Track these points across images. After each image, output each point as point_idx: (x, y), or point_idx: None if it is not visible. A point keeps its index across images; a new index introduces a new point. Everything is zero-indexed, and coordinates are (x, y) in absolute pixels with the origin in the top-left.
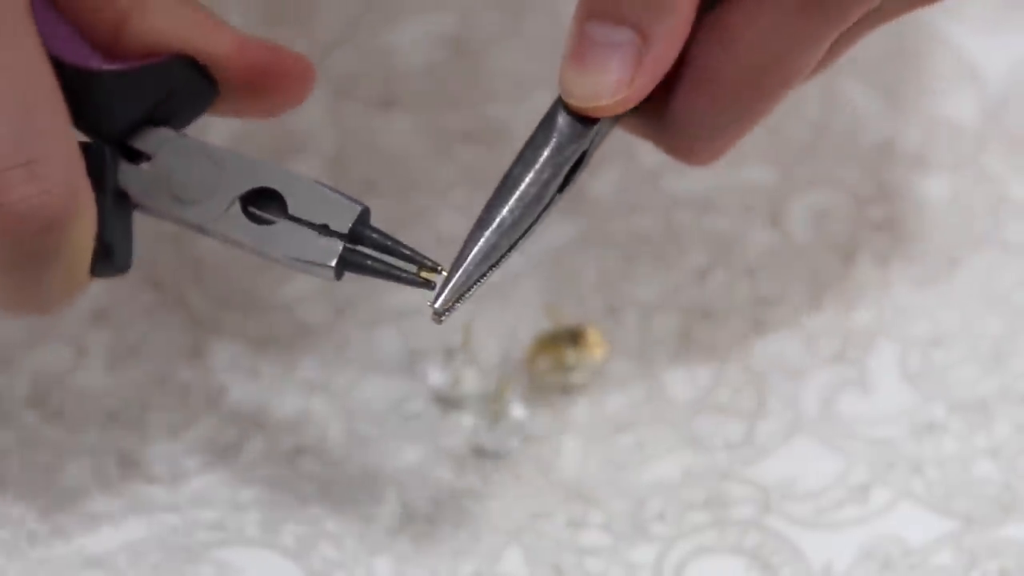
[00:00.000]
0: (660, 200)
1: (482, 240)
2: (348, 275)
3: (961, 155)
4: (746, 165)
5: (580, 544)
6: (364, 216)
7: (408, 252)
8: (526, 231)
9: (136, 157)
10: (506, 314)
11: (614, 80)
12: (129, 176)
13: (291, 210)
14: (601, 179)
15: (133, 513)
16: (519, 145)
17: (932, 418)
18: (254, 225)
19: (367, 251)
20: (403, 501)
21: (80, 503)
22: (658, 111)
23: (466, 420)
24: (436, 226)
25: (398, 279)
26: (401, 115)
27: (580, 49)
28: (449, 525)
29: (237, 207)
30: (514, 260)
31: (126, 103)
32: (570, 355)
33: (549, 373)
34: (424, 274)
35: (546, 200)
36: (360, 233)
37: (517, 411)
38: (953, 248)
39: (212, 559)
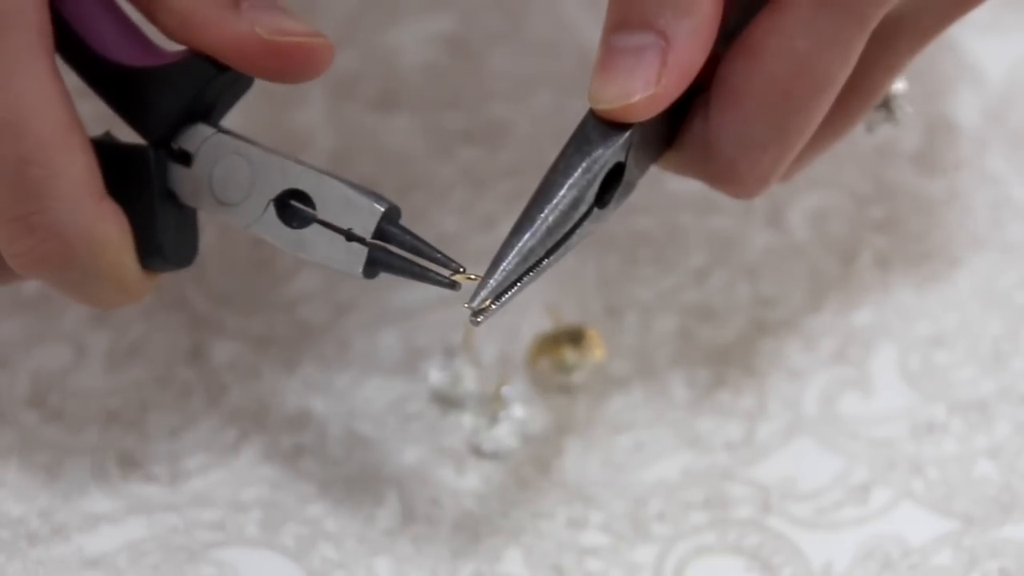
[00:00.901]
0: (660, 200)
1: (519, 243)
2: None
3: (962, 155)
4: None
5: (580, 544)
6: (391, 214)
7: (435, 254)
8: (564, 238)
9: (182, 157)
10: (506, 314)
11: (641, 80)
12: (178, 178)
13: (320, 212)
14: None
15: (133, 513)
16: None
17: (932, 418)
18: (288, 228)
19: (395, 250)
20: (403, 501)
21: (80, 503)
22: (696, 143)
23: (466, 420)
24: (436, 226)
25: (427, 279)
26: (401, 115)
27: (606, 59)
28: (449, 525)
29: (272, 210)
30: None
31: (165, 100)
32: (570, 355)
33: (549, 373)
34: (454, 276)
35: (583, 208)
36: (387, 232)
37: (517, 411)
38: (953, 248)
39: (212, 559)
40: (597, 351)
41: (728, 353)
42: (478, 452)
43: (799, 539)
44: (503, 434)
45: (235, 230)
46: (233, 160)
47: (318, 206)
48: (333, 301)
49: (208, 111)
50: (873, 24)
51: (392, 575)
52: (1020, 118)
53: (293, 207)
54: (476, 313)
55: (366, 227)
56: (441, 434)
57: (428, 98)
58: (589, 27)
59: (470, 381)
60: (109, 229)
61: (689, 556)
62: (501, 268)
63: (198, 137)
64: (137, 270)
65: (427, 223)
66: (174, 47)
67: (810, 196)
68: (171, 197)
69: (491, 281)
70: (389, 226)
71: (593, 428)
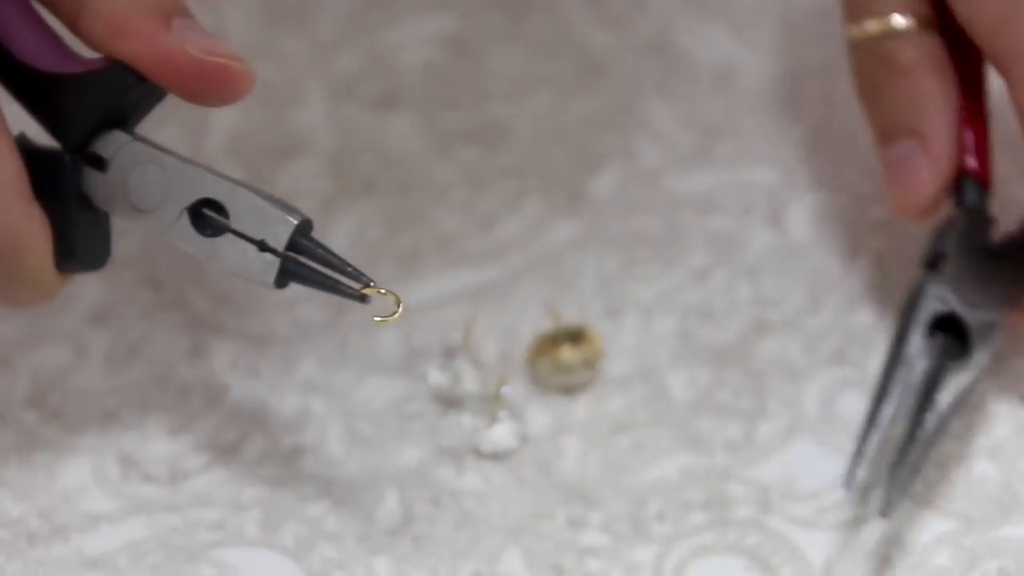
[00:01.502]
0: (660, 200)
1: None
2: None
3: None
4: (746, 165)
5: (580, 544)
6: (304, 228)
7: (345, 267)
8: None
9: (97, 162)
10: (506, 314)
11: (919, 188)
12: (92, 183)
13: (233, 222)
14: (601, 179)
15: (133, 513)
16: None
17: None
18: (201, 237)
19: (307, 262)
20: (403, 501)
21: (80, 503)
22: None
23: (466, 420)
24: (436, 226)
25: (337, 291)
26: (401, 115)
27: (887, 172)
28: (449, 525)
29: (186, 218)
30: (514, 260)
31: (82, 107)
32: (569, 355)
33: (549, 373)
34: (363, 290)
35: (918, 372)
36: (300, 244)
37: (517, 411)
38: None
39: (212, 559)
40: (596, 351)
41: (728, 353)
42: (478, 452)
43: (799, 539)
44: (503, 434)
45: None
46: (148, 168)
47: (232, 216)
48: (333, 301)
49: (124, 119)
50: None
51: (392, 575)
52: None
53: (207, 216)
54: (847, 487)
55: (279, 238)
56: (441, 434)
57: (428, 98)
58: (589, 27)
59: (470, 381)
60: (35, 232)
61: (689, 556)
62: (867, 443)
63: (114, 144)
64: (54, 272)
65: (427, 223)
66: (92, 55)
67: (810, 196)
68: (85, 201)
69: (858, 457)
70: (301, 239)
71: (593, 428)
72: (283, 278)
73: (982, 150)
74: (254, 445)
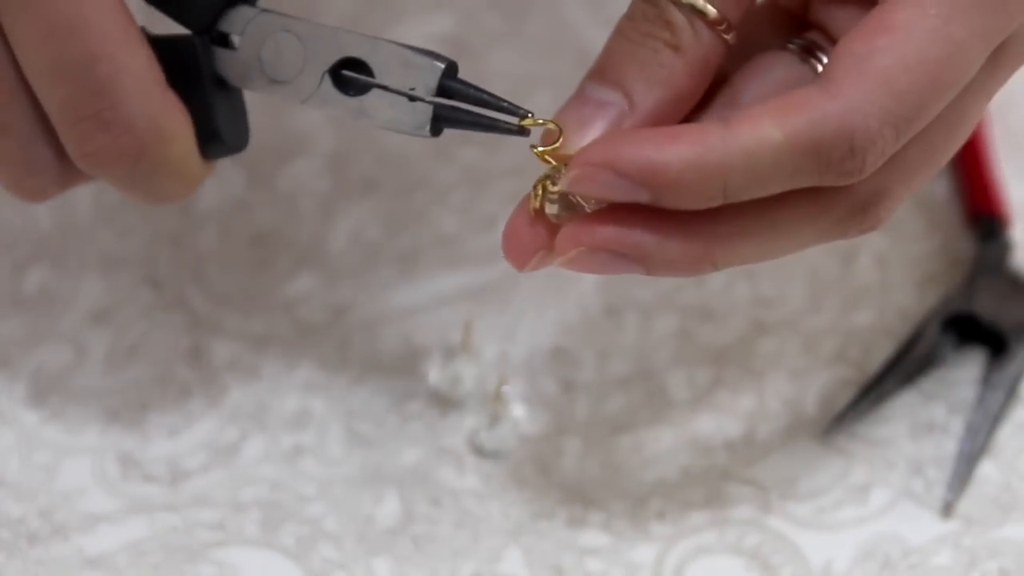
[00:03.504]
0: None
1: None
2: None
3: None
4: None
5: (580, 544)
6: (451, 70)
7: (501, 103)
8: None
9: (226, 40)
10: (506, 314)
11: (589, 135)
12: (225, 61)
13: (378, 76)
14: None
15: (133, 513)
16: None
17: (932, 418)
18: (347, 97)
19: (460, 105)
20: (403, 501)
21: (80, 503)
22: None
23: (466, 420)
24: (436, 226)
25: (495, 129)
26: None
27: (572, 100)
28: (449, 525)
29: (328, 81)
30: None
31: None
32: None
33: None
34: (522, 123)
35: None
36: (450, 88)
37: (517, 411)
38: (953, 248)
39: (212, 559)
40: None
41: (728, 353)
42: (478, 452)
43: (799, 539)
44: (503, 434)
45: (235, 230)
46: (281, 37)
47: (376, 71)
48: (333, 301)
49: None
50: (1014, 26)
51: (392, 575)
52: (1020, 118)
53: (349, 76)
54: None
55: (428, 85)
56: (441, 434)
57: None
58: (589, 27)
59: (470, 381)
60: (176, 119)
61: (689, 556)
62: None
63: (242, 19)
64: (199, 159)
65: (427, 223)
66: None
67: None
68: (221, 83)
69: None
70: (451, 82)
71: (593, 428)
72: (437, 124)
73: (994, 189)
74: (254, 445)
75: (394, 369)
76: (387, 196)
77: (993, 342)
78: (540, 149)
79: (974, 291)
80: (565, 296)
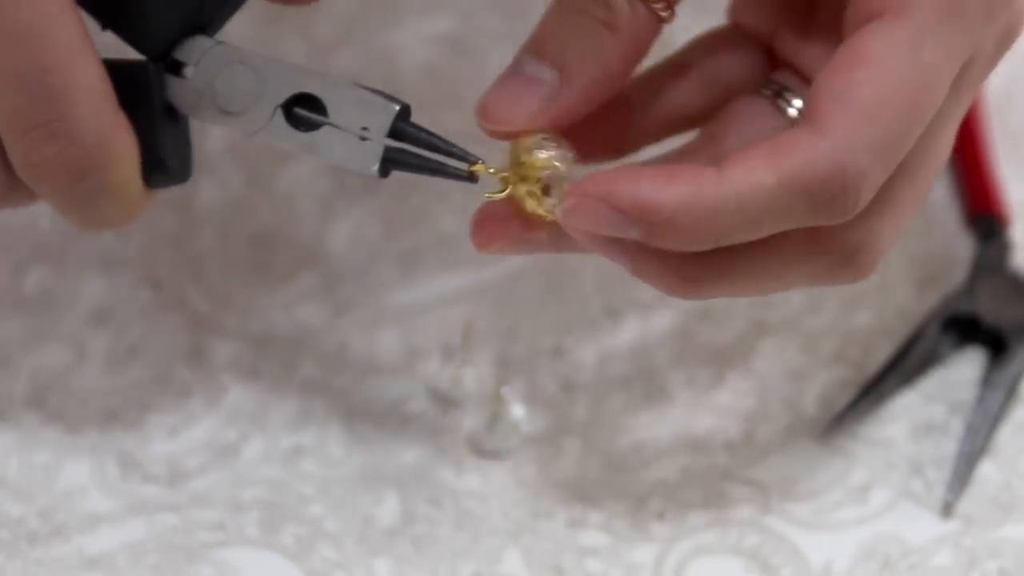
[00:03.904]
0: None
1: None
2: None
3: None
4: None
5: (580, 544)
6: (404, 113)
7: (451, 148)
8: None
9: (179, 69)
10: (506, 314)
11: (522, 112)
12: (176, 89)
13: (331, 114)
14: None
15: (133, 513)
16: None
17: (932, 418)
18: (298, 132)
19: (410, 148)
20: (403, 501)
21: (80, 503)
22: None
23: (466, 420)
24: (436, 226)
25: (444, 174)
26: None
27: (507, 75)
28: (449, 525)
29: (280, 116)
30: (514, 260)
31: (164, 14)
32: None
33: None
34: (472, 168)
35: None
36: (402, 131)
37: (517, 411)
38: (953, 248)
39: (212, 559)
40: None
41: (728, 353)
42: (478, 452)
43: (799, 539)
44: (503, 434)
45: (235, 230)
46: (237, 69)
47: (329, 109)
48: (333, 301)
49: (206, 24)
50: (975, 45)
51: (392, 575)
52: (1020, 118)
53: (302, 112)
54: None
55: (380, 126)
56: (441, 434)
57: (428, 98)
58: None
59: (470, 381)
60: (125, 139)
61: (689, 556)
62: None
63: (198, 50)
64: (141, 185)
65: (427, 223)
66: None
67: None
68: (170, 111)
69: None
70: (403, 124)
71: (593, 428)
72: (387, 165)
73: (994, 189)
74: (254, 445)
75: (394, 369)
76: (387, 196)
77: (993, 342)
78: (489, 195)
79: (974, 291)
80: (565, 296)
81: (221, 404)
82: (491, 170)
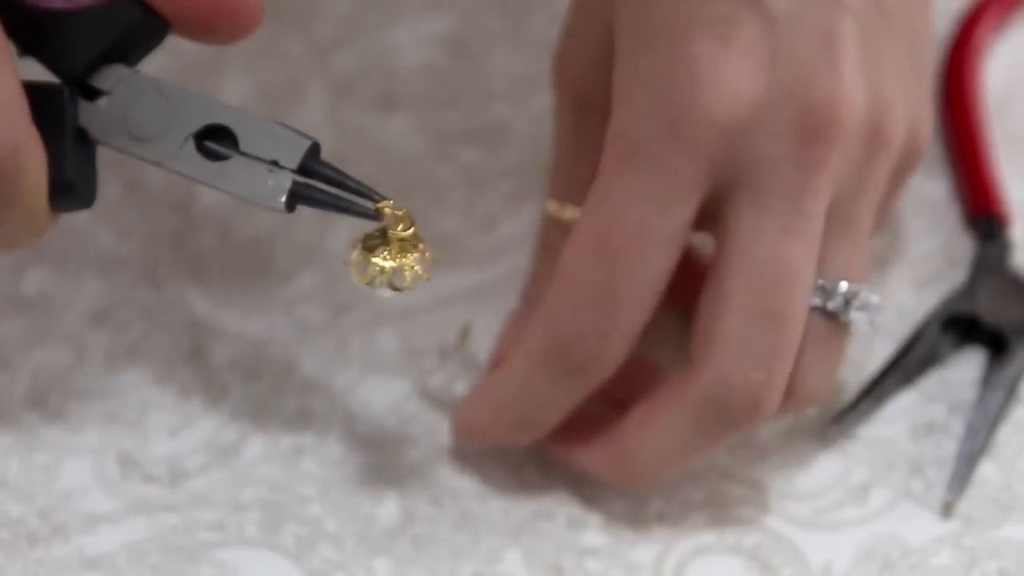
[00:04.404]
0: None
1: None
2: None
3: None
4: None
5: (580, 544)
6: (314, 150)
7: (357, 186)
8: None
9: (94, 95)
10: (506, 314)
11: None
12: (88, 114)
13: (243, 146)
14: None
15: (133, 513)
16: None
17: (932, 418)
18: (207, 161)
19: (318, 185)
20: (403, 501)
21: (80, 503)
22: None
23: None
24: (436, 226)
25: (349, 211)
26: (401, 115)
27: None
28: (449, 525)
29: (191, 144)
30: (514, 260)
31: (84, 42)
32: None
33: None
34: (377, 207)
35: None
36: (311, 168)
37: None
38: (953, 248)
39: (212, 559)
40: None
41: None
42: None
43: (799, 539)
44: (461, 383)
45: (235, 230)
46: (151, 98)
47: (241, 141)
48: (333, 301)
49: (126, 54)
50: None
51: (392, 575)
52: (1020, 118)
53: (212, 144)
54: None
55: (290, 160)
56: (441, 434)
57: (428, 98)
58: None
59: (462, 386)
60: (36, 151)
61: (689, 556)
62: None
63: (114, 77)
64: (46, 206)
65: (427, 223)
66: None
67: None
68: (81, 135)
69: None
70: (312, 162)
71: None
72: (293, 200)
73: (994, 189)
74: (254, 445)
75: (394, 369)
76: (387, 196)
77: (993, 342)
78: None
79: (974, 291)
80: None
81: (221, 404)
82: (398, 212)
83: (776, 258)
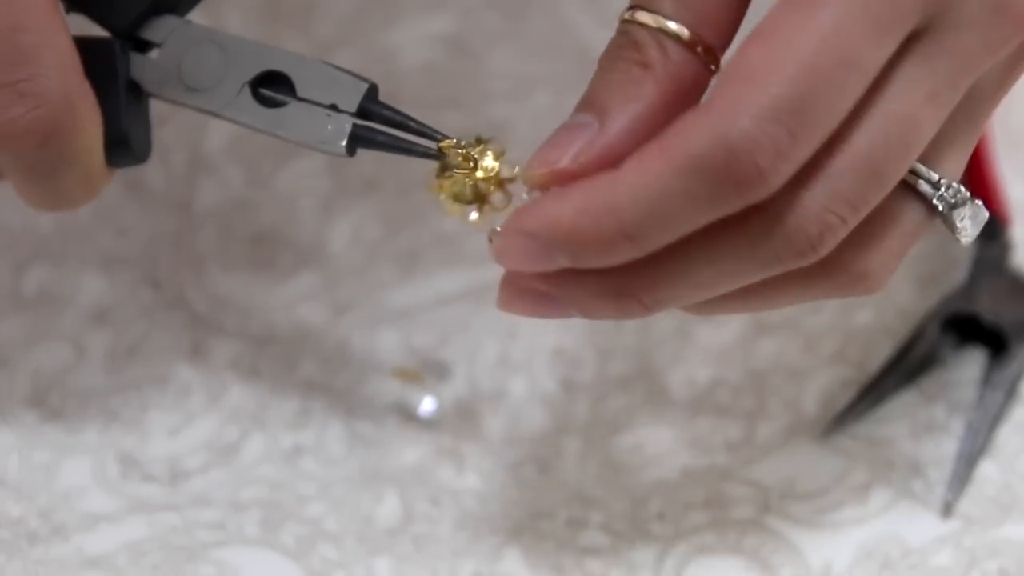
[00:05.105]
0: None
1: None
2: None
3: None
4: None
5: (580, 544)
6: (372, 92)
7: (419, 127)
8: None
9: (145, 47)
10: (505, 315)
11: (566, 154)
12: (141, 67)
13: (300, 91)
14: None
15: (133, 513)
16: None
17: (932, 418)
18: (265, 109)
19: (378, 127)
20: (403, 501)
21: (80, 502)
22: None
23: (464, 421)
24: (436, 226)
25: (410, 152)
26: None
27: (555, 132)
28: (449, 525)
29: (247, 92)
30: None
31: None
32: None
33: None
34: (440, 145)
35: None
36: (369, 110)
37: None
38: (953, 248)
39: (212, 559)
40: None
41: (728, 353)
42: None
43: (799, 539)
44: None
45: (235, 230)
46: (205, 48)
47: (298, 86)
48: (333, 301)
49: (175, 4)
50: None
51: (392, 575)
52: (1020, 118)
53: (269, 91)
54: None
55: (349, 104)
56: (441, 434)
57: (428, 98)
58: (589, 27)
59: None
60: (91, 106)
61: (689, 556)
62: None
63: (165, 28)
64: (103, 161)
65: (427, 223)
66: None
67: None
68: (134, 89)
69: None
70: (372, 104)
71: (593, 428)
72: (354, 143)
73: (994, 189)
74: (254, 445)
75: (394, 369)
76: (387, 196)
77: (993, 342)
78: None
79: (974, 291)
80: None
81: (221, 403)
82: (463, 144)
83: (909, 121)
